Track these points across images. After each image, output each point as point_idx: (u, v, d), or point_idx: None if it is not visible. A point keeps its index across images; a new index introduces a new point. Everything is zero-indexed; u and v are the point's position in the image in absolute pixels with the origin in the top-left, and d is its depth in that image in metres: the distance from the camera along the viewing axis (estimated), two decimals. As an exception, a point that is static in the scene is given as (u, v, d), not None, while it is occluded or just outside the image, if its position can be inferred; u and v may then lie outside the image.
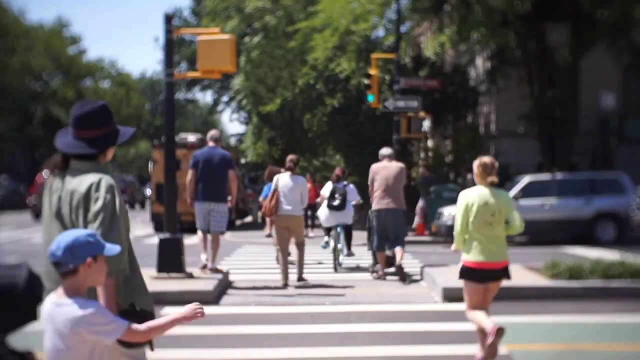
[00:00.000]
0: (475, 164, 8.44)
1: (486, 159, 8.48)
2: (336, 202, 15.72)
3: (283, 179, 13.73)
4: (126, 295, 4.43)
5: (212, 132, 14.35)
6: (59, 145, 4.47)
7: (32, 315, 4.00)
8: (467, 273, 8.23)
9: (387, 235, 14.00)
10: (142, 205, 58.07)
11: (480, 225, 8.07)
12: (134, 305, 4.44)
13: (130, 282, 4.43)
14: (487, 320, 8.06)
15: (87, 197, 4.31)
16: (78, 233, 3.87)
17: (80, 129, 4.41)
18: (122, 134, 4.51)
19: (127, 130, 4.56)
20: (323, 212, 16.09)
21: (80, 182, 4.35)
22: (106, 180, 4.34)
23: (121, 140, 4.51)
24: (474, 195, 8.19)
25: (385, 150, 14.49)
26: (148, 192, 66.54)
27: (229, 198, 13.92)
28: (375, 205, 14.02)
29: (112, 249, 3.92)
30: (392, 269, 14.24)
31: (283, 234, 13.70)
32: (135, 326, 3.96)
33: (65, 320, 3.83)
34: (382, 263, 14.33)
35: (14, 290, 4.00)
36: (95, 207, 4.27)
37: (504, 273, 8.30)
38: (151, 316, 4.49)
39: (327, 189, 16.13)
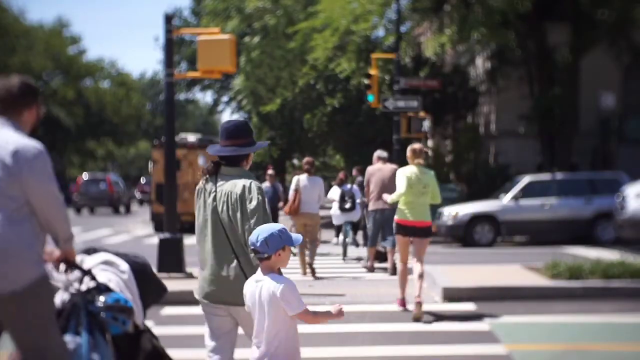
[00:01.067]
0: (408, 149, 11.08)
1: (416, 145, 11.21)
2: (348, 205, 18.35)
3: (302, 180, 15.05)
4: None
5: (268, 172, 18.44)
6: (213, 153, 5.43)
7: (159, 294, 5.62)
8: (398, 228, 10.93)
9: (381, 233, 15.14)
10: (128, 209, 47.90)
11: (414, 194, 10.79)
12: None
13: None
14: (401, 289, 11.03)
15: (242, 198, 5.27)
16: (272, 228, 4.78)
17: (229, 138, 5.40)
18: (257, 145, 5.50)
19: (262, 143, 5.66)
20: (335, 213, 18.82)
21: (234, 185, 5.33)
22: (255, 183, 5.34)
23: (257, 149, 5.48)
24: (410, 171, 10.86)
25: (379, 153, 15.06)
26: (137, 194, 65.70)
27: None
28: (371, 206, 14.93)
29: (298, 239, 4.84)
30: (385, 264, 15.73)
31: (302, 230, 14.90)
32: (309, 309, 4.75)
33: (265, 292, 4.72)
34: (372, 257, 15.70)
35: (147, 272, 5.57)
36: (250, 206, 5.24)
37: (427, 231, 10.94)
38: None
39: (335, 193, 18.88)
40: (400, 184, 10.84)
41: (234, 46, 13.51)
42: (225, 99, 60.89)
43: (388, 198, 11.41)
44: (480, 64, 34.44)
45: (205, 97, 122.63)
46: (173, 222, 13.79)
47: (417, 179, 10.82)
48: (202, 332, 10.03)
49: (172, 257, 13.45)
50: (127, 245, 23.95)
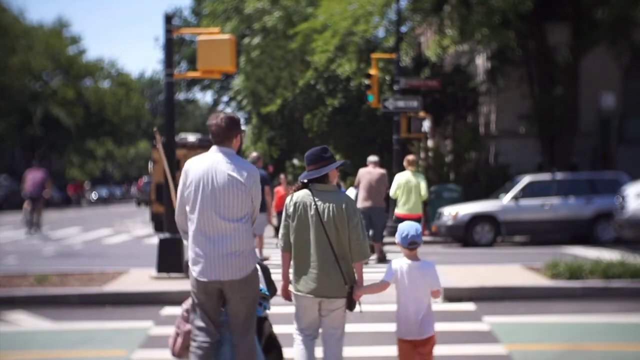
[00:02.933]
0: (404, 159, 16.67)
1: (409, 156, 16.68)
2: None
3: None
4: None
5: (253, 155, 17.66)
6: (309, 178, 6.59)
7: (275, 291, 6.82)
8: (398, 219, 15.49)
9: (369, 229, 16.26)
10: (78, 202, 55.12)
11: (407, 193, 15.97)
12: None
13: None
14: None
15: (345, 210, 6.46)
16: (417, 225, 6.61)
17: (314, 163, 6.60)
18: (336, 163, 6.68)
19: (340, 162, 6.74)
20: None
21: (336, 199, 6.52)
22: (348, 196, 6.73)
23: (332, 167, 6.62)
24: (405, 175, 16.20)
25: (371, 158, 17.05)
26: (94, 195, 66.93)
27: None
28: (359, 205, 16.05)
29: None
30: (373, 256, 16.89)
31: None
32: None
33: (428, 276, 6.52)
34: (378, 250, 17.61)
35: (267, 272, 6.79)
36: (355, 217, 6.49)
37: (417, 220, 13.76)
38: None
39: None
40: (393, 186, 16.19)
41: (234, 46, 13.50)
42: (225, 99, 60.93)
43: (391, 193, 16.55)
44: (481, 64, 34.44)
45: (205, 97, 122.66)
46: (173, 222, 13.76)
47: (408, 181, 16.08)
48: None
49: (172, 257, 13.44)
50: (127, 245, 23.94)
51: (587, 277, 12.46)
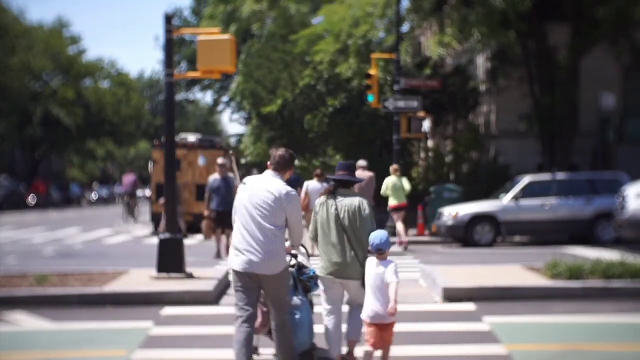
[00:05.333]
0: (391, 167, 21.56)
1: (394, 165, 21.67)
2: None
3: (312, 185, 18.84)
4: None
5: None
6: (338, 179, 8.27)
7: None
8: (391, 210, 21.31)
9: None
10: (45, 204, 52.37)
11: (395, 191, 21.00)
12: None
13: None
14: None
15: (359, 209, 8.09)
16: (386, 234, 7.93)
17: (344, 170, 8.35)
18: (359, 178, 8.95)
19: (358, 177, 8.68)
20: None
21: (351, 201, 8.15)
22: (365, 200, 8.24)
23: (359, 180, 8.75)
24: (391, 179, 21.05)
25: (360, 162, 19.29)
26: (94, 195, 65.88)
27: None
28: None
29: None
30: None
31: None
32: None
33: (381, 274, 7.78)
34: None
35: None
36: (365, 214, 8.08)
37: (404, 207, 21.08)
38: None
39: None
40: (383, 187, 21.19)
41: (234, 46, 13.49)
42: (225, 99, 60.90)
43: (382, 192, 21.33)
44: (481, 64, 34.43)
45: (205, 97, 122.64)
46: (173, 222, 13.78)
47: (394, 183, 21.07)
48: (201, 332, 10.05)
49: (172, 257, 13.43)
50: (126, 245, 23.94)
51: (587, 277, 12.46)
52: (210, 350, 8.91)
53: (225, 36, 13.75)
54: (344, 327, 8.26)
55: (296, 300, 8.12)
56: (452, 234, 22.53)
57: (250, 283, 7.58)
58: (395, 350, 8.82)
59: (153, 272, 13.54)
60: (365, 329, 7.84)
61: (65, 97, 60.98)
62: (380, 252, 7.79)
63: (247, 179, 7.93)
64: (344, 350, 8.23)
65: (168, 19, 13.96)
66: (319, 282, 8.25)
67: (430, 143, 35.32)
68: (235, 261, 7.61)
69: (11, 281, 12.93)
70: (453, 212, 22.29)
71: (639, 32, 26.84)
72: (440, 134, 35.46)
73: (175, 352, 8.82)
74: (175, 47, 14.72)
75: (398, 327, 9.98)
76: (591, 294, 11.92)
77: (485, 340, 9.21)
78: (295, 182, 17.45)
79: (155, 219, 27.87)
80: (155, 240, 15.52)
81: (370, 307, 7.78)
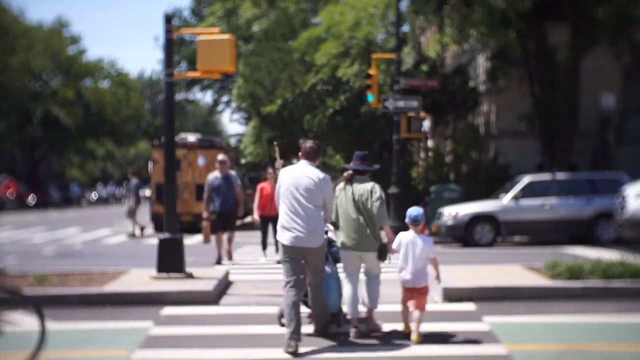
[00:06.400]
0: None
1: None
2: None
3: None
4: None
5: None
6: (354, 168, 9.75)
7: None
8: None
9: None
10: (14, 206, 50.35)
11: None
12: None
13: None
14: None
15: (371, 192, 9.59)
16: (419, 208, 9.60)
17: (360, 160, 9.76)
18: (374, 167, 9.97)
19: (375, 166, 10.03)
20: None
21: (365, 186, 9.64)
22: (376, 185, 9.69)
23: (374, 169, 9.93)
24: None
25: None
26: (94, 195, 65.65)
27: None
28: None
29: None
30: None
31: None
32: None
33: (425, 246, 9.39)
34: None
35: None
36: (376, 196, 9.56)
37: None
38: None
39: None
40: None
41: (234, 46, 13.49)
42: (225, 99, 60.89)
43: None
44: (481, 64, 34.43)
45: (205, 97, 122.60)
46: (173, 222, 13.77)
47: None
48: (201, 332, 10.06)
49: (172, 257, 13.43)
50: (126, 245, 23.94)
51: (587, 277, 12.45)
52: (211, 350, 8.90)
53: (225, 36, 13.74)
54: (361, 295, 9.73)
55: (327, 269, 9.59)
56: (452, 234, 22.53)
57: (295, 255, 9.05)
58: (395, 350, 8.82)
59: (153, 272, 13.53)
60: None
61: (65, 97, 60.97)
62: (416, 223, 9.43)
63: (285, 169, 9.44)
64: (363, 315, 9.71)
65: (168, 19, 13.96)
66: (341, 253, 9.69)
67: (430, 143, 35.32)
68: (284, 237, 9.07)
69: (11, 281, 12.92)
70: (453, 212, 22.29)
71: (639, 32, 26.84)
72: (440, 134, 35.45)
73: (175, 352, 8.82)
74: (175, 47, 14.70)
75: (398, 327, 9.99)
76: (591, 294, 11.92)
77: (485, 340, 9.21)
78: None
79: (155, 219, 27.91)
80: (155, 240, 15.51)
81: (406, 272, 9.38)
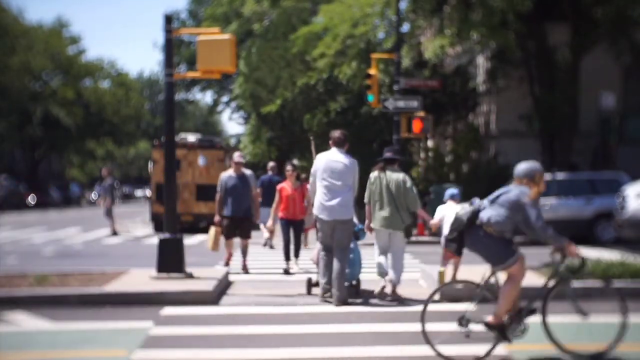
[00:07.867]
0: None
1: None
2: None
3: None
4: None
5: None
6: (387, 156, 11.97)
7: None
8: None
9: None
10: None
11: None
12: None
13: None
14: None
15: (403, 181, 11.77)
16: (456, 189, 13.82)
17: (390, 152, 12.02)
18: (399, 157, 12.29)
19: (401, 157, 12.61)
20: None
21: (398, 175, 11.81)
22: (406, 175, 11.98)
23: (399, 157, 12.27)
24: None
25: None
26: (94, 195, 64.61)
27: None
28: None
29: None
30: None
31: None
32: None
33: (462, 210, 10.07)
34: None
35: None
36: (407, 185, 11.78)
37: None
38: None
39: None
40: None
41: (234, 46, 13.48)
42: (225, 99, 60.90)
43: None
44: (481, 64, 34.43)
45: (205, 98, 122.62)
46: (173, 222, 13.76)
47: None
48: (201, 332, 10.05)
49: (172, 257, 13.42)
50: (126, 245, 23.93)
51: (587, 277, 12.42)
52: (211, 350, 8.90)
53: (225, 36, 13.73)
54: (389, 271, 11.79)
55: (351, 244, 11.67)
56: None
57: (329, 228, 11.34)
58: (395, 350, 8.82)
59: (153, 272, 13.53)
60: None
61: (65, 97, 60.97)
62: (455, 198, 12.53)
63: (319, 155, 11.60)
64: (389, 288, 11.76)
65: (168, 19, 13.96)
66: (374, 233, 11.84)
67: (430, 143, 35.32)
68: (323, 213, 11.32)
69: (11, 281, 12.92)
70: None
71: (639, 32, 26.84)
72: (440, 134, 35.46)
73: (175, 352, 8.82)
74: (174, 47, 14.70)
75: (398, 327, 9.99)
76: (591, 294, 11.89)
77: (485, 340, 9.19)
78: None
79: (155, 219, 27.90)
80: (155, 240, 15.50)
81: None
